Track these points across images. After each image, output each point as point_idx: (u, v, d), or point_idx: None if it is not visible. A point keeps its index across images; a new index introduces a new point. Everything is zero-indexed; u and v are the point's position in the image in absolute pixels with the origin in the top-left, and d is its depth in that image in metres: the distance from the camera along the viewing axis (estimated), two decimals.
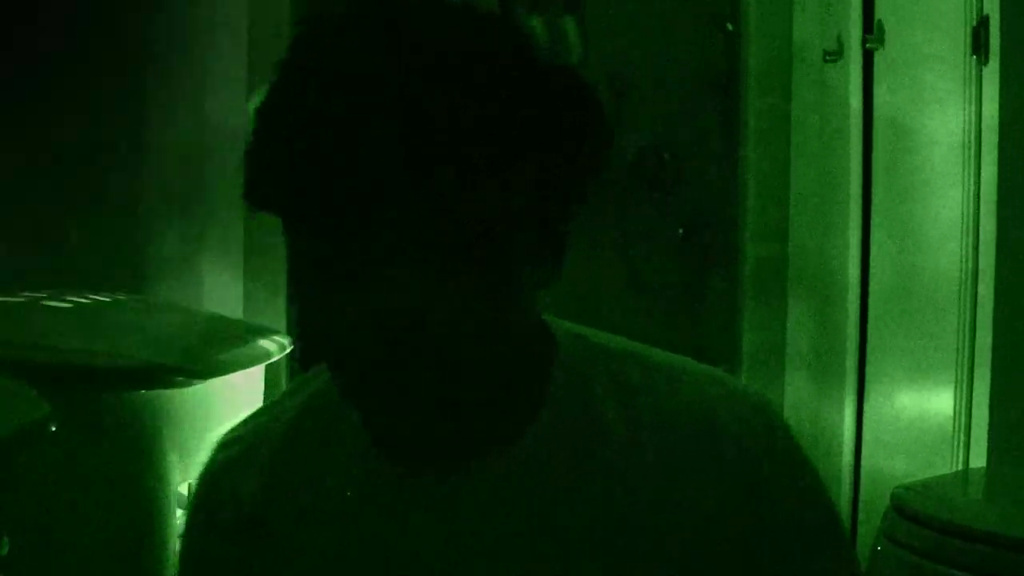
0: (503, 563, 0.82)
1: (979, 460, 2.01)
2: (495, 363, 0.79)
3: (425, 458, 0.82)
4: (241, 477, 0.89)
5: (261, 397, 1.90)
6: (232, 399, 1.74)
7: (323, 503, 0.86)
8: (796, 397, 2.71)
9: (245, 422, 0.93)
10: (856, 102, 2.48)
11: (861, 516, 2.48)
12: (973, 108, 2.06)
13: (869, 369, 2.51)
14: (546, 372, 0.83)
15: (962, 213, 2.09)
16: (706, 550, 0.82)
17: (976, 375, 2.04)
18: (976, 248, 2.06)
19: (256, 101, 0.77)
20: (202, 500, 0.93)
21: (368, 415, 0.80)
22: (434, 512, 0.82)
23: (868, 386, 2.53)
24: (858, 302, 2.52)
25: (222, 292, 2.54)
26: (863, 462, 2.52)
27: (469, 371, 0.78)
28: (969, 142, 2.07)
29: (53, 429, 1.10)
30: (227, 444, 0.92)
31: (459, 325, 0.76)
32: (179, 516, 1.56)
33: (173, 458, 1.54)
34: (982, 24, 2.02)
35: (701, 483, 0.82)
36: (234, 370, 1.69)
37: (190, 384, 1.54)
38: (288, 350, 1.90)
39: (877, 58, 2.44)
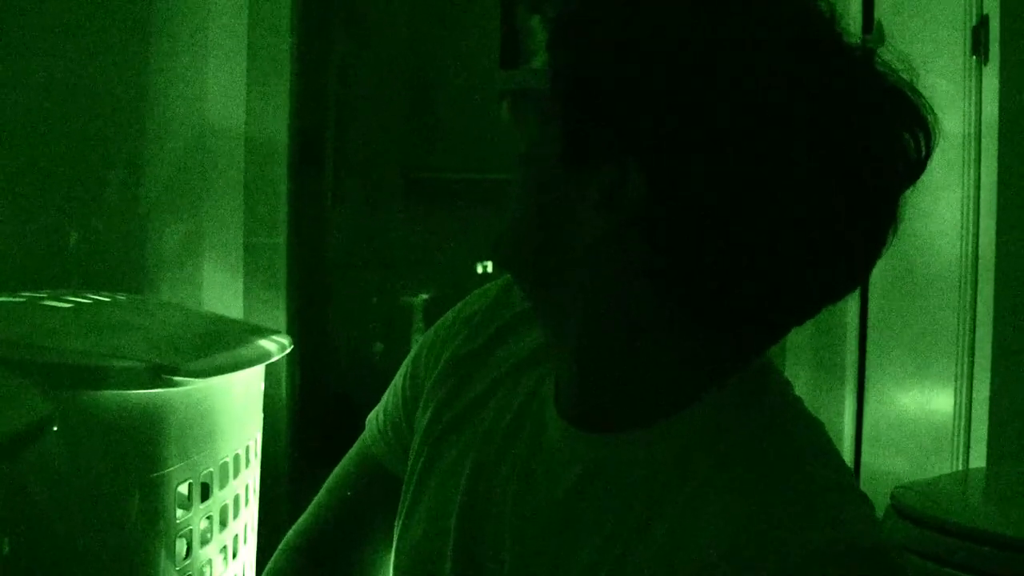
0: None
1: (979, 460, 2.01)
2: (658, 367, 0.86)
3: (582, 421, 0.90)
4: (487, 314, 1.04)
5: (261, 397, 1.89)
6: (232, 399, 1.74)
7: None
8: None
9: None
10: None
11: None
12: (973, 108, 2.05)
13: (869, 369, 2.51)
14: (695, 394, 0.86)
15: (962, 213, 2.09)
16: None
17: (976, 375, 2.04)
18: (976, 248, 2.05)
19: None
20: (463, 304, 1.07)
21: (562, 383, 0.92)
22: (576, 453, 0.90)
23: (868, 386, 2.52)
24: (858, 301, 2.52)
25: (222, 292, 2.54)
26: (863, 462, 2.52)
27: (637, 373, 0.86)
28: (969, 142, 2.07)
29: (55, 429, 1.10)
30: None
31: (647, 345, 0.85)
32: (179, 516, 1.56)
33: (173, 458, 1.54)
34: (982, 24, 2.02)
35: None
36: (234, 370, 1.68)
37: (190, 384, 1.53)
38: (288, 350, 1.90)
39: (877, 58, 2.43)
